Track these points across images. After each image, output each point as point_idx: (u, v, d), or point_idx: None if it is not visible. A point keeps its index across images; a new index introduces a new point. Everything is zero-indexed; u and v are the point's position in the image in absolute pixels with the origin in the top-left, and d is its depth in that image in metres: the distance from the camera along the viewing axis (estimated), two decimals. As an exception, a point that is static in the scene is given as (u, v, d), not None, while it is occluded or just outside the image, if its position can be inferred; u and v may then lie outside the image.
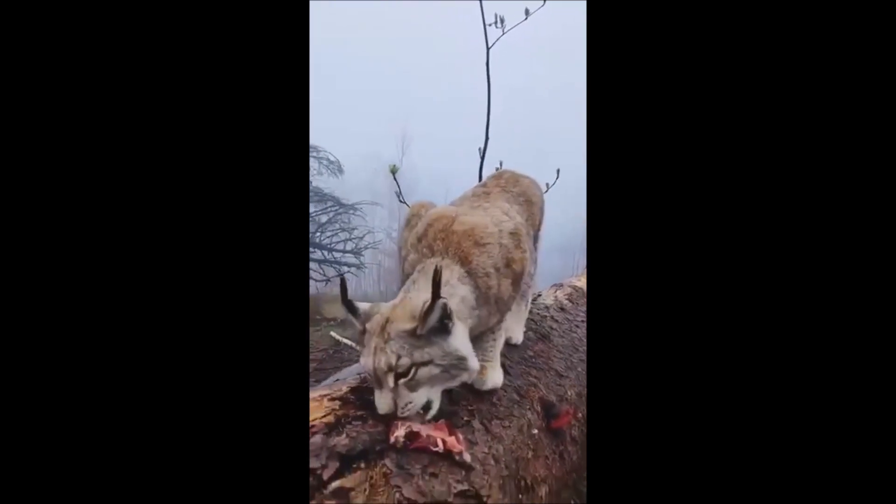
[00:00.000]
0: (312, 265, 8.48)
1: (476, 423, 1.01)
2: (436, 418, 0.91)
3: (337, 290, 0.97)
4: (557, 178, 2.13)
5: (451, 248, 1.03)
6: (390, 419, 0.86)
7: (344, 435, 0.81)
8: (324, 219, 8.80)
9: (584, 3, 0.81)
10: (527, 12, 2.27)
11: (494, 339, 1.18)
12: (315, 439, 0.78)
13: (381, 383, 0.87)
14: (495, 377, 1.16)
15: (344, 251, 9.05)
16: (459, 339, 0.92)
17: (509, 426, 1.10)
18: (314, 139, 8.56)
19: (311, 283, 8.46)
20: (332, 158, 8.93)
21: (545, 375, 1.50)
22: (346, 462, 0.76)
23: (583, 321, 2.17)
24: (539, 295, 2.29)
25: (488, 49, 2.43)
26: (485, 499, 0.82)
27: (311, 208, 8.46)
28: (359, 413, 0.90)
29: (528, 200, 1.45)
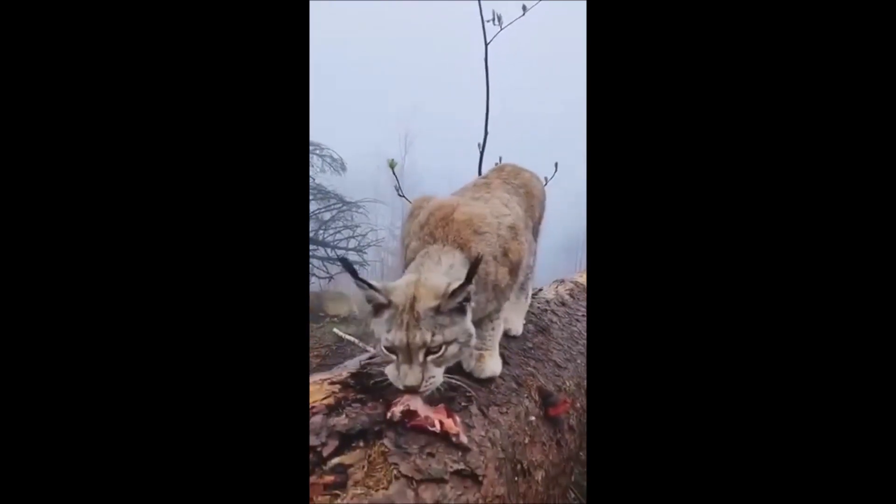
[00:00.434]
0: (316, 262, 8.52)
1: (473, 409, 1.03)
2: (434, 403, 0.93)
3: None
4: (556, 171, 2.15)
5: (451, 235, 1.08)
6: (391, 398, 0.89)
7: (343, 415, 0.83)
8: (327, 216, 8.83)
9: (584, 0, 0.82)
10: (524, 9, 2.30)
11: (493, 329, 1.22)
12: (315, 419, 0.80)
13: (410, 358, 0.90)
14: (494, 365, 1.20)
15: (347, 248, 9.07)
16: (470, 320, 0.99)
17: (507, 412, 1.12)
18: (317, 137, 8.59)
19: (315, 280, 8.49)
20: (335, 156, 8.96)
21: (544, 366, 1.52)
22: (346, 441, 0.78)
23: (583, 315, 2.19)
24: (540, 289, 2.31)
25: (486, 45, 2.45)
26: (480, 478, 0.84)
27: (314, 206, 8.49)
28: (358, 396, 0.92)
29: (529, 193, 1.50)
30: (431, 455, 0.82)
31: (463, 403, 1.02)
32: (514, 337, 1.54)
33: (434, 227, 1.10)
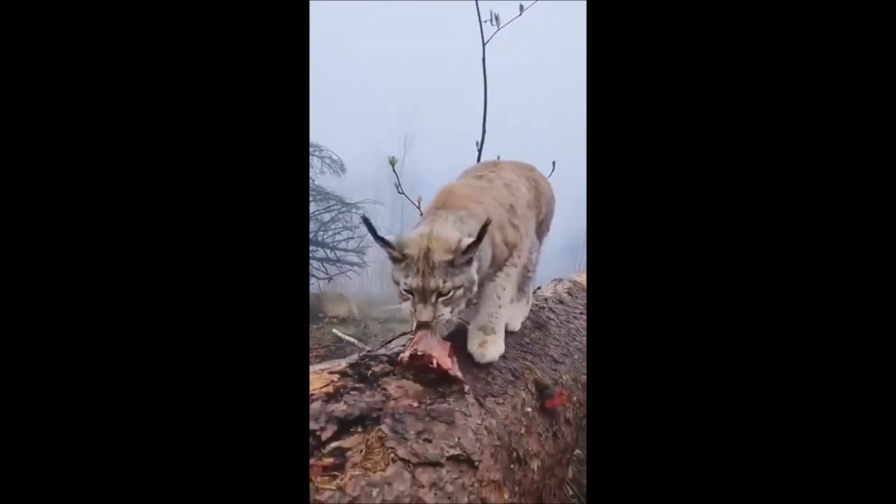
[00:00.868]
0: (315, 263, 8.52)
1: (470, 398, 1.05)
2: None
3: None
4: (553, 169, 2.17)
5: (448, 204, 1.23)
6: (388, 388, 0.92)
7: (342, 402, 0.85)
8: (326, 217, 8.83)
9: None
10: (521, 8, 2.32)
11: (500, 307, 1.32)
12: (314, 405, 0.82)
13: (425, 300, 1.08)
14: (494, 351, 1.27)
15: (346, 249, 9.08)
16: (475, 269, 1.15)
17: (503, 403, 1.13)
18: (316, 138, 8.60)
19: (314, 281, 8.49)
20: (334, 157, 8.96)
21: (541, 360, 1.54)
22: (344, 426, 0.80)
23: (581, 313, 2.21)
24: (538, 288, 2.33)
25: (484, 45, 2.48)
26: (476, 463, 0.86)
27: (314, 207, 8.49)
28: (356, 385, 0.94)
29: (537, 188, 1.58)
30: (428, 441, 0.83)
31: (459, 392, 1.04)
32: (512, 332, 1.56)
33: (437, 199, 1.26)
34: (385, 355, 1.12)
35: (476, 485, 0.83)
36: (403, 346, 1.15)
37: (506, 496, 0.90)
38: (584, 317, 2.18)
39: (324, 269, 8.67)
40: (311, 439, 0.74)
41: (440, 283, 1.07)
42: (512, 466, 0.99)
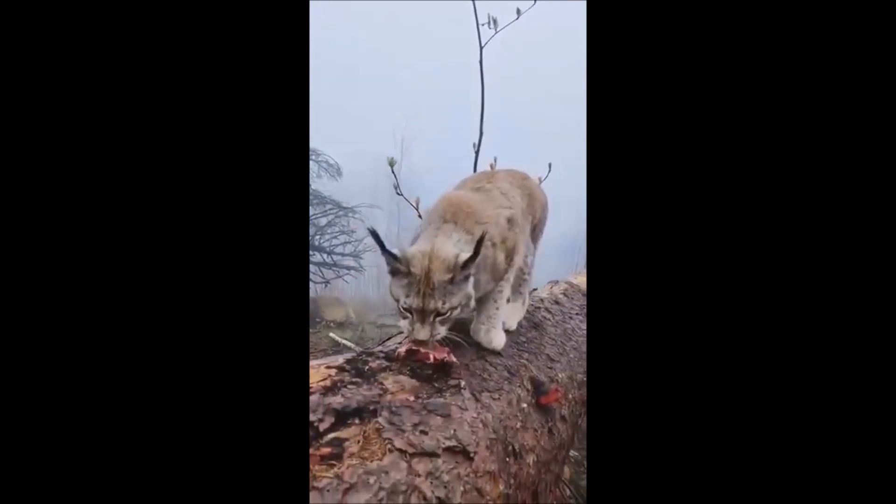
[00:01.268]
0: (312, 268, 8.51)
1: (466, 394, 1.06)
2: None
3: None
4: (549, 171, 2.19)
5: (458, 220, 1.25)
6: (384, 382, 0.93)
7: (340, 395, 0.86)
8: (323, 221, 8.83)
9: (584, 1, 0.85)
10: (518, 12, 2.36)
11: (497, 308, 1.38)
12: (312, 398, 0.83)
13: (424, 320, 1.10)
14: (499, 339, 1.37)
15: (343, 254, 9.08)
16: (471, 286, 1.18)
17: (499, 398, 1.15)
18: (313, 143, 8.62)
19: (311, 285, 8.48)
20: (331, 161, 8.99)
21: (536, 359, 1.55)
22: (341, 418, 0.81)
23: (576, 314, 2.23)
24: (535, 289, 2.35)
25: (481, 48, 2.51)
26: (472, 455, 0.87)
27: (311, 211, 8.49)
28: (354, 379, 0.95)
29: (531, 195, 1.63)
30: (424, 433, 0.85)
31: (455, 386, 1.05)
32: (508, 331, 1.58)
33: (444, 211, 1.28)
34: (382, 352, 1.13)
35: (472, 475, 0.85)
36: (399, 343, 1.17)
37: (501, 487, 0.91)
38: (580, 317, 2.20)
39: (320, 274, 8.67)
40: (309, 431, 0.75)
41: (440, 304, 1.10)
42: (507, 459, 1.00)
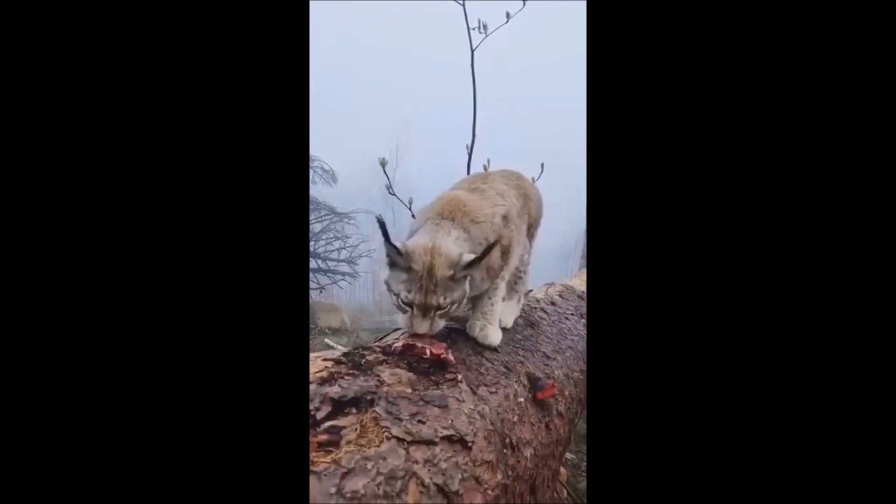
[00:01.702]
0: (307, 274, 8.49)
1: (463, 386, 1.06)
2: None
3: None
4: (542, 172, 2.21)
5: (456, 219, 1.26)
6: (381, 374, 0.93)
7: (337, 385, 0.86)
8: (318, 227, 8.83)
9: (567, 2, 0.85)
10: (507, 15, 2.39)
11: (492, 304, 1.40)
12: (310, 387, 0.82)
13: (424, 314, 1.13)
14: (495, 335, 1.38)
15: (338, 260, 9.07)
16: (467, 284, 1.20)
17: (496, 392, 1.15)
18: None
19: (306, 291, 8.44)
20: (326, 167, 9.00)
21: (532, 356, 1.55)
22: (339, 407, 0.81)
23: (572, 314, 2.24)
24: (530, 290, 2.36)
25: (472, 52, 2.54)
26: (469, 444, 0.87)
27: (306, 217, 8.48)
28: (351, 371, 0.95)
29: (525, 195, 1.64)
30: (422, 422, 0.84)
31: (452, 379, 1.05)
32: (504, 329, 1.58)
33: (442, 209, 1.29)
34: (378, 346, 1.13)
35: (470, 464, 0.84)
36: (396, 339, 1.17)
37: (499, 476, 0.91)
38: (575, 318, 2.20)
39: (315, 280, 8.65)
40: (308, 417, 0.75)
41: (441, 299, 1.12)
42: (505, 451, 1.00)
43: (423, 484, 0.72)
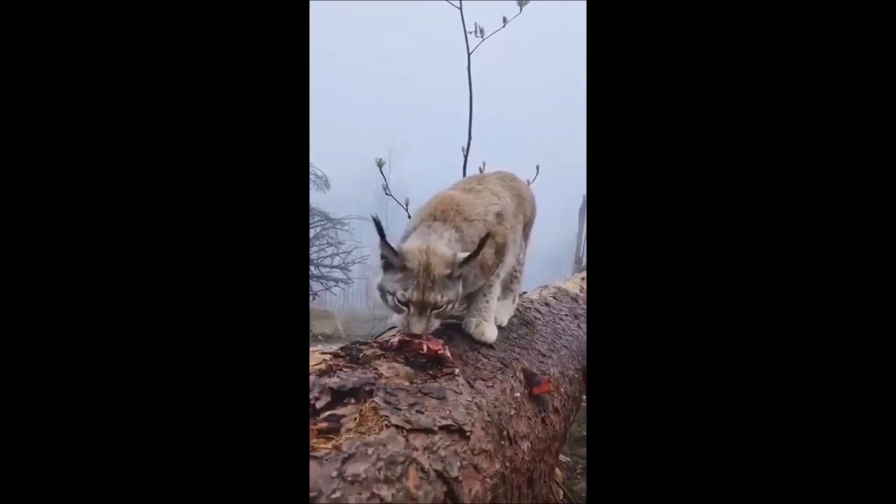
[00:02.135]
0: (300, 280, 8.44)
1: (460, 380, 1.07)
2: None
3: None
4: (537, 174, 2.23)
5: (449, 219, 1.28)
6: (378, 367, 0.93)
7: (335, 377, 0.86)
8: (311, 233, 8.80)
9: (565, 4, 0.87)
10: (504, 20, 2.42)
11: (487, 301, 1.42)
12: (309, 378, 0.83)
13: (421, 313, 1.13)
14: (490, 332, 1.39)
15: (331, 266, 9.04)
16: (461, 284, 1.21)
17: (493, 386, 1.15)
18: (302, 154, 8.60)
19: (299, 297, 8.40)
20: (319, 173, 9.00)
21: (528, 353, 1.56)
22: (338, 397, 0.81)
23: (566, 315, 2.26)
24: (524, 292, 2.37)
25: (469, 56, 2.57)
26: (468, 434, 0.88)
27: (299, 223, 8.45)
28: (349, 364, 0.95)
29: (520, 195, 1.67)
30: (420, 412, 0.85)
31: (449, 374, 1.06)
32: (499, 327, 1.59)
33: (435, 209, 1.31)
34: (375, 342, 1.14)
35: (468, 453, 0.85)
36: (392, 336, 1.17)
37: (497, 466, 0.92)
38: (570, 318, 2.22)
39: (309, 286, 8.60)
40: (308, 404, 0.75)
41: (438, 297, 1.12)
42: (503, 443, 1.01)
43: (422, 469, 0.72)
